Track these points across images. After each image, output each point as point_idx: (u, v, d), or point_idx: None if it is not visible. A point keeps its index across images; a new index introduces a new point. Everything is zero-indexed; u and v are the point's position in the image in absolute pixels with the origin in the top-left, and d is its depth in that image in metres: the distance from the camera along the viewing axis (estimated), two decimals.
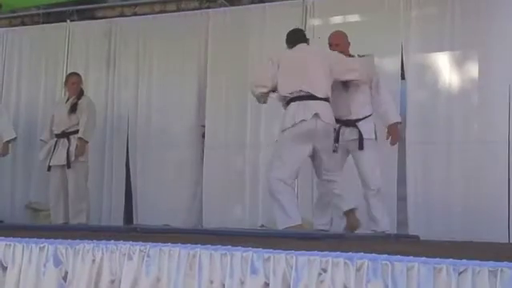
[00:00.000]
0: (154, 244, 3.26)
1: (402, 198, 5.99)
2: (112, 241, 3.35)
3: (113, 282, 3.27)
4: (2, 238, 3.51)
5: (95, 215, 6.99)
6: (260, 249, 3.06)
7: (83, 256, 3.31)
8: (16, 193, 7.58)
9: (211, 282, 3.10)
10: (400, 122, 5.38)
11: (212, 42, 6.96)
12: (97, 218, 7.04)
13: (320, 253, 2.93)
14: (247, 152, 6.67)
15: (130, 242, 3.31)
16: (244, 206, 6.65)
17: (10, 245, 3.42)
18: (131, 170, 7.18)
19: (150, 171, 7.06)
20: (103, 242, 3.35)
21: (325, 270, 2.87)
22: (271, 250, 3.02)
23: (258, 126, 6.62)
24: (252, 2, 6.94)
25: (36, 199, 7.43)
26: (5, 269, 3.42)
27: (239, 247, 3.10)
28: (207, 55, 6.98)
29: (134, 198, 7.13)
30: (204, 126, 6.95)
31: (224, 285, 3.06)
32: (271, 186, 4.87)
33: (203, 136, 6.95)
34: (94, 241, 3.37)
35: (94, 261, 3.30)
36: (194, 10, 7.22)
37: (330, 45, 5.33)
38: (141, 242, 3.29)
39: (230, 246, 3.12)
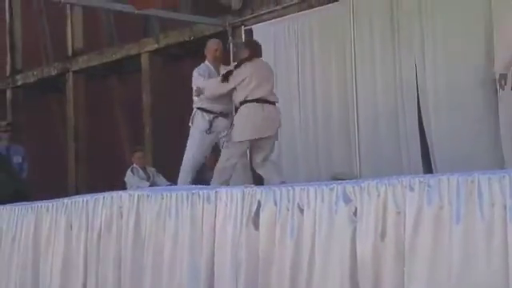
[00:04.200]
0: (433, 175, 3.36)
1: None
2: (394, 176, 3.53)
3: (398, 213, 3.44)
4: (297, 183, 3.90)
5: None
6: None
7: (369, 192, 3.54)
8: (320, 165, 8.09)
9: (492, 205, 3.12)
10: None
11: None
12: None
13: None
14: None
15: (411, 175, 3.46)
16: None
17: (304, 189, 3.79)
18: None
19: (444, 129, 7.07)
20: (386, 178, 3.56)
21: None
22: None
23: None
24: None
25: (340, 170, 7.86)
26: (302, 211, 3.81)
27: None
28: None
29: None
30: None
31: (505, 206, 3.05)
32: None
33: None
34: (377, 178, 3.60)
35: (378, 196, 3.51)
36: None
37: None
38: (421, 174, 3.43)
39: None
